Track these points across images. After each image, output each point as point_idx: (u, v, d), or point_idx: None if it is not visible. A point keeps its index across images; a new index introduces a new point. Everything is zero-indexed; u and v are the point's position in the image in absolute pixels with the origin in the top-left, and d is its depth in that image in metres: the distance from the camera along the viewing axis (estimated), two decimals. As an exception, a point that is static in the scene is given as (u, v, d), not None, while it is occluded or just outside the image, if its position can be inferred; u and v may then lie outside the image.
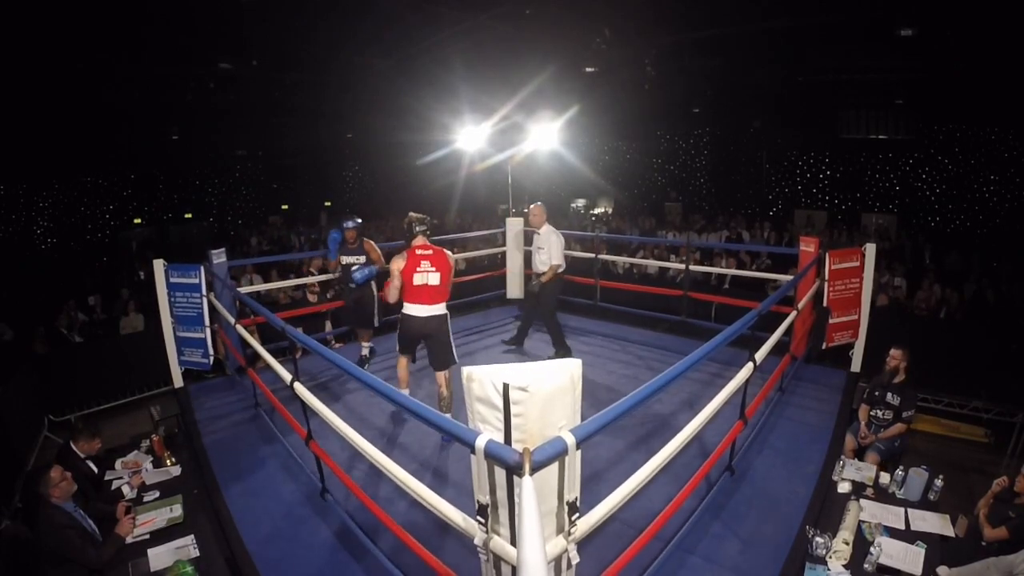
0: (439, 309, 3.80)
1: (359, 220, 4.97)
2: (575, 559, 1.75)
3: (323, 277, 7.05)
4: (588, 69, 9.69)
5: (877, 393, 4.04)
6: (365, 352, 5.30)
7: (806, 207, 13.74)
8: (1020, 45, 6.95)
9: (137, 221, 15.41)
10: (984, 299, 7.29)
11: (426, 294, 3.74)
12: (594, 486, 3.00)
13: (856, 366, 4.71)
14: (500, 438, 1.66)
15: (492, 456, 1.59)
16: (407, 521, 2.61)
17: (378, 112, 12.96)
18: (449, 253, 3.85)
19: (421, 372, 5.19)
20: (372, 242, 5.08)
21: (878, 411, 3.99)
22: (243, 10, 6.67)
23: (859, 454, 3.94)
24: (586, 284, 6.53)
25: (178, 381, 4.85)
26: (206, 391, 4.84)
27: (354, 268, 4.72)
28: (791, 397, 4.38)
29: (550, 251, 5.16)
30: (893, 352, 4.06)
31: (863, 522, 2.90)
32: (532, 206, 5.36)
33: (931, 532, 2.89)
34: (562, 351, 5.35)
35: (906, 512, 3.03)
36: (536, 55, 8.75)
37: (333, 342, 6.39)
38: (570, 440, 1.60)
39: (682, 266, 6.45)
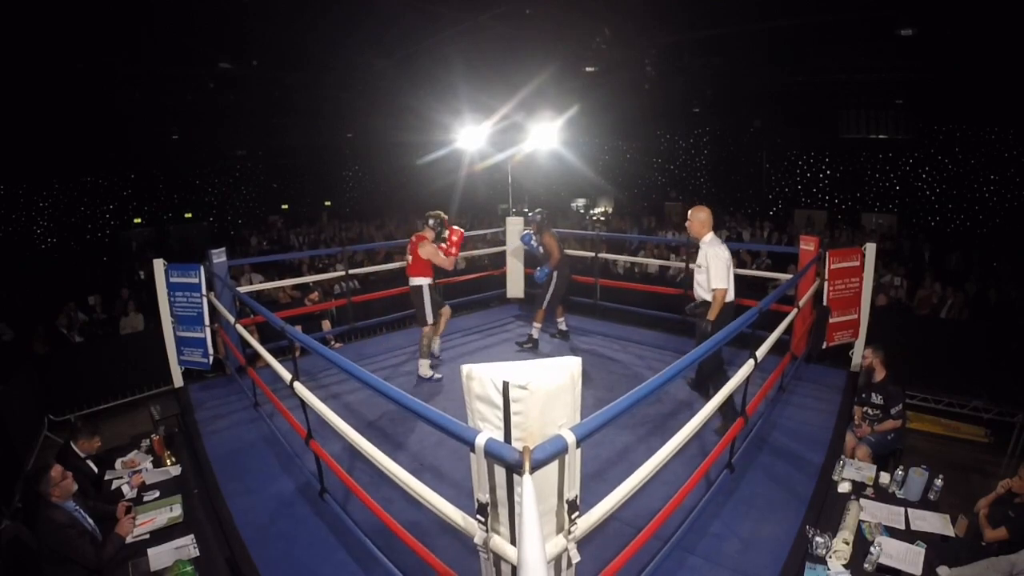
0: (411, 281, 4.89)
1: (533, 215, 5.52)
2: (575, 558, 1.75)
3: (327, 276, 7.06)
4: (588, 69, 9.69)
5: (864, 395, 4.10)
6: (562, 327, 5.95)
7: (806, 207, 13.76)
8: (1020, 45, 6.95)
9: (137, 221, 15.42)
10: (986, 299, 7.29)
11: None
12: (594, 485, 2.99)
13: (856, 366, 4.71)
14: (500, 436, 1.66)
15: (492, 454, 1.58)
16: (407, 520, 2.60)
17: (378, 112, 12.96)
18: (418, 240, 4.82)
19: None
20: (551, 235, 5.53)
21: (868, 410, 4.04)
22: (244, 10, 6.68)
23: (858, 452, 3.95)
24: (586, 283, 6.53)
25: (178, 381, 4.84)
26: (206, 391, 4.84)
27: (537, 270, 5.51)
28: (791, 396, 4.38)
29: (709, 271, 3.87)
30: (865, 351, 4.16)
31: (863, 522, 2.89)
32: (691, 211, 4.05)
33: (931, 532, 2.88)
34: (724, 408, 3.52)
35: (906, 512, 3.02)
36: (536, 55, 8.74)
37: (333, 342, 6.39)
38: (570, 438, 1.60)
39: (682, 265, 6.44)
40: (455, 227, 4.97)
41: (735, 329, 2.93)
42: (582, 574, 2.00)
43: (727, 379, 3.55)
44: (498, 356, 5.44)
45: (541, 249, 5.48)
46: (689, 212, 4.07)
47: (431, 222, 4.89)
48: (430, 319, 4.88)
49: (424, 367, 4.96)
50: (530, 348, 5.57)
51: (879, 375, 4.04)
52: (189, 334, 4.75)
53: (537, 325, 5.58)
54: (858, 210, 12.99)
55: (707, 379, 4.07)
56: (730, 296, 3.93)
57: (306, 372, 4.69)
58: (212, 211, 16.94)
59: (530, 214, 5.59)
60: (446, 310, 5.21)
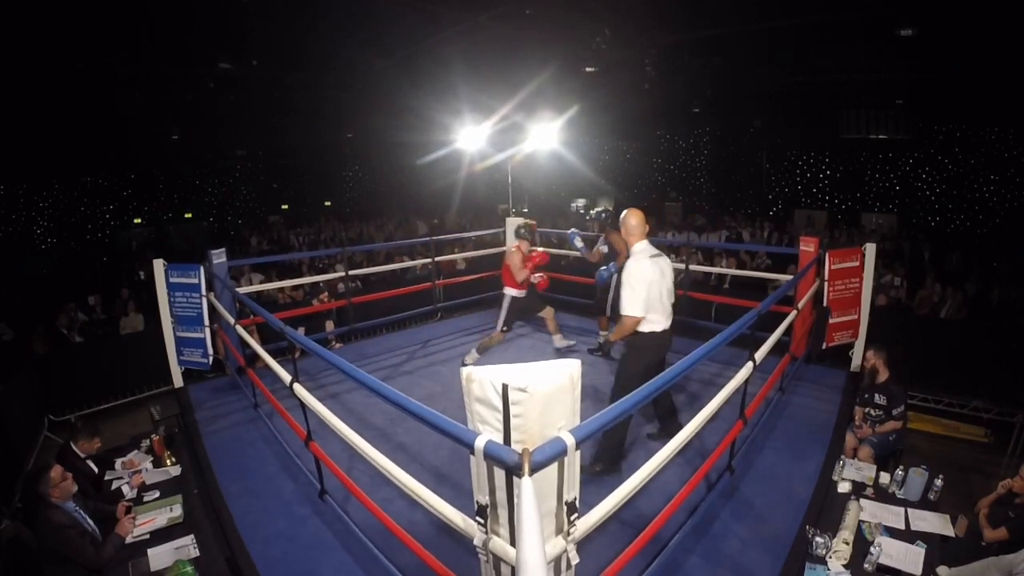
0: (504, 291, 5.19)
1: (598, 214, 5.36)
2: (574, 559, 1.75)
3: (327, 276, 7.07)
4: (588, 69, 9.68)
5: (867, 395, 4.10)
6: (601, 339, 5.75)
7: (806, 207, 13.76)
8: (1020, 45, 6.95)
9: (137, 221, 15.44)
10: (987, 299, 7.29)
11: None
12: (594, 486, 2.99)
13: (856, 366, 4.70)
14: (499, 439, 1.66)
15: (491, 457, 1.58)
16: (406, 521, 2.61)
17: (378, 112, 12.97)
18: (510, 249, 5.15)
19: (420, 372, 5.22)
20: (618, 234, 5.35)
21: (871, 411, 4.05)
22: (244, 10, 6.67)
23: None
24: (586, 283, 6.52)
25: (178, 381, 4.84)
26: (206, 391, 4.84)
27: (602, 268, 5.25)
28: (791, 397, 4.38)
29: (622, 291, 3.31)
30: (867, 353, 4.18)
31: (863, 522, 2.90)
32: (623, 215, 3.44)
33: (931, 532, 2.89)
34: (605, 460, 3.31)
35: (906, 512, 3.03)
36: (536, 55, 8.74)
37: (334, 342, 6.39)
38: (569, 441, 1.60)
39: (682, 266, 6.43)
40: (540, 248, 5.33)
41: (735, 331, 2.91)
42: (582, 575, 2.00)
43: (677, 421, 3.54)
44: (498, 357, 5.44)
45: (605, 248, 5.43)
46: (622, 217, 3.46)
47: (522, 231, 5.15)
48: (499, 327, 5.17)
49: (471, 356, 5.21)
50: (603, 356, 5.40)
51: (882, 376, 4.04)
52: (189, 334, 4.74)
53: (603, 333, 5.54)
54: (858, 210, 12.99)
55: (671, 414, 3.69)
56: (659, 326, 3.23)
57: (306, 372, 4.69)
58: (212, 211, 16.96)
59: (595, 214, 5.63)
60: (549, 311, 5.54)
